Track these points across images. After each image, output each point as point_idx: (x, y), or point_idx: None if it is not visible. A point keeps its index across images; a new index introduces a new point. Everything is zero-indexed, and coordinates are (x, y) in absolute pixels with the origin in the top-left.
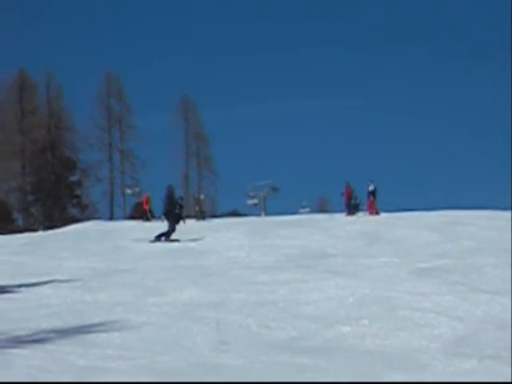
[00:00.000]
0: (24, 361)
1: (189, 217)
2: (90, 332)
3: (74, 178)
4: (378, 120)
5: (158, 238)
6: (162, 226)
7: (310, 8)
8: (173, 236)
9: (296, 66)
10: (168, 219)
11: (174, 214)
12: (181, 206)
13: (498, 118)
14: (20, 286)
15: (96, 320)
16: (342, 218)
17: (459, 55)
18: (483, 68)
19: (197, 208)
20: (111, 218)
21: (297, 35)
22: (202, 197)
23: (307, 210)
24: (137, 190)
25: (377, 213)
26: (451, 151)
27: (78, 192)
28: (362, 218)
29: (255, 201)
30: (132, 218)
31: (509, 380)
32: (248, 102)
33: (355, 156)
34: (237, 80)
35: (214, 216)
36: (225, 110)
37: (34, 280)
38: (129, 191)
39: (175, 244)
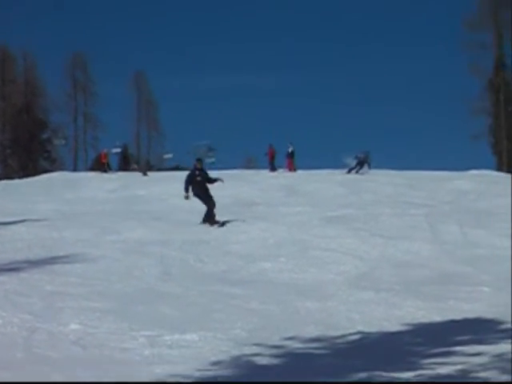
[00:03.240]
0: (1, 286)
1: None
2: (56, 263)
3: (45, 136)
4: (301, 89)
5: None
6: (117, 176)
7: None
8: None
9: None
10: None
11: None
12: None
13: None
14: None
15: (61, 253)
16: (266, 173)
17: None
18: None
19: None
20: (75, 169)
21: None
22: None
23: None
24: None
25: (294, 170)
26: (360, 115)
27: (48, 148)
28: (282, 174)
29: (170, 155)
30: (92, 169)
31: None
32: (192, 73)
33: (278, 120)
34: (184, 53)
35: (160, 169)
36: (173, 80)
37: (9, 219)
38: (59, 142)
39: (127, 192)
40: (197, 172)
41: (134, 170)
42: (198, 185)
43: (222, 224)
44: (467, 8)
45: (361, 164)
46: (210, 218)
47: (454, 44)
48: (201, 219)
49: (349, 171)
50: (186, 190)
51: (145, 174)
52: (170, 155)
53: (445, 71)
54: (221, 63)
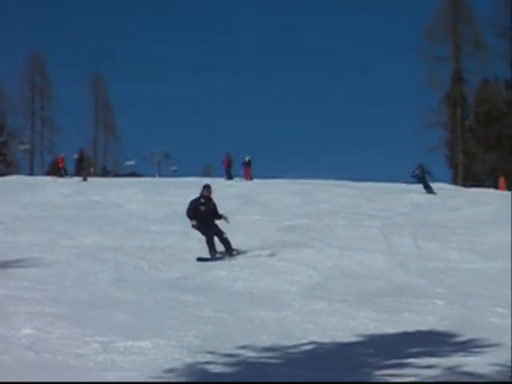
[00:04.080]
0: None
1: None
2: (11, 267)
3: (1, 139)
4: (259, 99)
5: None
6: (72, 181)
7: None
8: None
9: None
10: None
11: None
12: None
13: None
14: None
15: (16, 257)
16: (222, 181)
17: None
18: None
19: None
20: (31, 173)
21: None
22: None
23: (175, 167)
24: (27, 146)
25: (251, 179)
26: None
27: (5, 151)
28: (239, 183)
29: (132, 162)
30: (48, 174)
31: None
32: (150, 78)
33: (236, 129)
34: (142, 57)
35: (117, 175)
36: (129, 84)
37: None
38: (22, 147)
39: (82, 197)
40: (202, 200)
41: (89, 174)
42: (201, 215)
43: (218, 258)
44: (426, 18)
45: (422, 179)
46: (210, 248)
47: (413, 54)
48: (155, 225)
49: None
50: (191, 218)
51: (85, 179)
52: (132, 162)
53: (402, 82)
54: (179, 67)
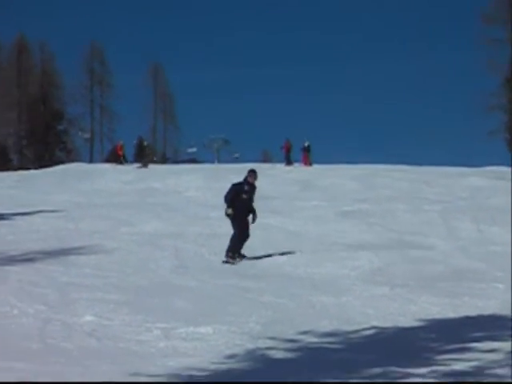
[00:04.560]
0: (16, 276)
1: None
2: (72, 254)
3: (61, 127)
4: (318, 86)
5: (233, 255)
6: (131, 168)
7: None
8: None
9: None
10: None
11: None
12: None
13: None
14: (14, 214)
15: (77, 244)
16: (281, 167)
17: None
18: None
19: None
20: (91, 161)
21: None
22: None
23: (237, 155)
24: (87, 135)
25: (310, 164)
26: (376, 111)
27: (64, 139)
28: (298, 168)
29: (194, 149)
30: (107, 161)
31: None
32: (208, 66)
33: (296, 114)
34: (201, 47)
35: (176, 162)
36: (190, 73)
37: (26, 210)
38: (85, 135)
39: (142, 184)
40: (246, 187)
41: (151, 162)
42: (241, 203)
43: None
44: (484, 2)
45: None
46: (232, 248)
47: (472, 39)
48: (214, 211)
49: None
50: (229, 204)
51: (145, 166)
52: (194, 149)
53: (462, 67)
54: (239, 55)
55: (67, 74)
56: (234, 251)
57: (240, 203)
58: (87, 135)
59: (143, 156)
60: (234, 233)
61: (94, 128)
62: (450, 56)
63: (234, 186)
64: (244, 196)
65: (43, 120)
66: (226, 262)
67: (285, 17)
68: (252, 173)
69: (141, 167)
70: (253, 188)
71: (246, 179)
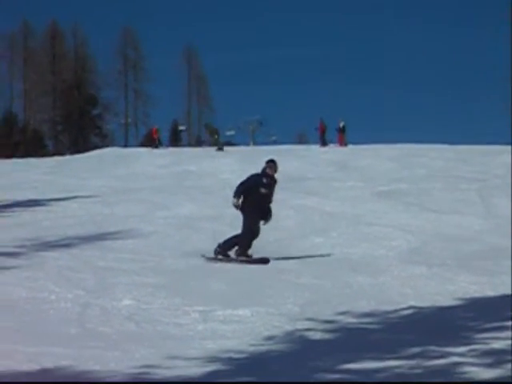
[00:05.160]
0: (54, 261)
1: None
2: (108, 239)
3: (95, 112)
4: (352, 63)
5: (225, 250)
6: (166, 152)
7: None
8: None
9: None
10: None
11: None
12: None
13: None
14: (50, 200)
15: (113, 229)
16: (316, 148)
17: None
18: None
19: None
20: (126, 145)
21: None
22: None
23: (274, 137)
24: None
25: (345, 145)
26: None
27: (99, 123)
28: (334, 149)
29: (232, 132)
30: (143, 145)
31: None
32: (242, 48)
33: (331, 96)
34: (234, 29)
35: (210, 145)
36: (224, 55)
37: (61, 195)
38: (182, 127)
39: (178, 168)
40: (264, 180)
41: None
42: (259, 197)
43: (255, 261)
44: None
45: None
46: (241, 247)
47: (502, 17)
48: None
49: None
50: (238, 195)
51: (220, 148)
52: (232, 132)
53: (499, 43)
54: (270, 37)
55: (101, 59)
56: (246, 250)
57: (257, 197)
58: (183, 127)
59: (178, 140)
60: (243, 232)
61: (129, 112)
62: (481, 33)
63: (252, 177)
64: (262, 190)
65: (78, 105)
66: (221, 257)
67: None
68: (272, 163)
69: (217, 150)
70: (273, 181)
71: (264, 171)
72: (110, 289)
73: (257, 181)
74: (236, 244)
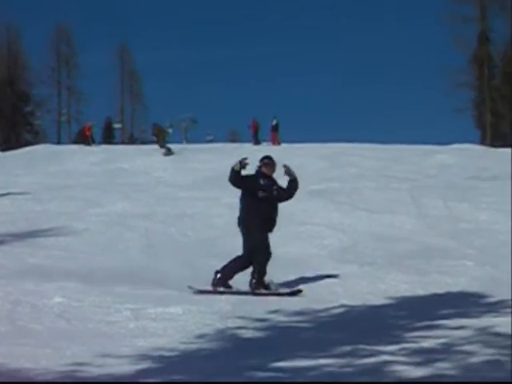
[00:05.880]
0: None
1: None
2: (40, 236)
3: (28, 109)
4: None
5: (226, 279)
6: (99, 150)
7: None
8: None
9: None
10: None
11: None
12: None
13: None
14: None
15: (45, 226)
16: (249, 147)
17: None
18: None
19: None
20: (58, 142)
21: None
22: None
23: (211, 137)
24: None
25: (279, 143)
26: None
27: (32, 120)
28: (266, 148)
29: (170, 130)
30: (75, 142)
31: None
32: (175, 45)
33: (262, 94)
34: (169, 26)
35: (143, 143)
36: (155, 52)
37: None
38: (117, 125)
39: (110, 165)
40: (261, 181)
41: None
42: (259, 204)
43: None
44: None
45: None
46: (257, 280)
47: (438, 16)
48: (183, 192)
49: None
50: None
51: (169, 152)
52: (170, 129)
53: (429, 44)
54: (204, 35)
55: (34, 55)
56: (262, 279)
57: (257, 204)
58: (118, 125)
59: (111, 136)
60: (255, 255)
61: (62, 110)
62: (416, 32)
63: (246, 178)
64: (261, 194)
65: (10, 102)
66: (222, 289)
67: None
68: (268, 161)
69: (167, 154)
70: (272, 181)
71: (259, 170)
72: (41, 286)
73: (251, 183)
74: (239, 270)
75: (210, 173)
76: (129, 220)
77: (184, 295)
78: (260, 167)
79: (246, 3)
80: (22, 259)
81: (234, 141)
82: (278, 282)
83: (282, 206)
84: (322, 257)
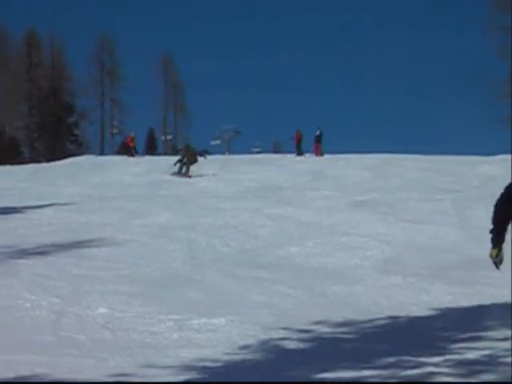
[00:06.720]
0: (29, 269)
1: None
2: (83, 247)
3: (71, 120)
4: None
5: None
6: (142, 161)
7: None
8: None
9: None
10: None
11: None
12: None
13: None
14: (26, 207)
15: (88, 237)
16: (292, 157)
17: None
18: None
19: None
20: (102, 153)
21: None
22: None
23: (258, 149)
24: (115, 131)
25: (322, 154)
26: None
27: (75, 131)
28: (309, 159)
29: (218, 142)
30: (118, 153)
31: None
32: (219, 57)
33: (306, 106)
34: (212, 37)
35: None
36: (200, 63)
37: (37, 203)
38: (168, 137)
39: (154, 176)
40: None
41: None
42: None
43: None
44: None
45: None
46: None
47: (482, 27)
48: (226, 202)
49: None
50: (498, 238)
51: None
52: (217, 141)
53: (474, 54)
54: (248, 46)
55: (77, 66)
56: None
57: None
58: (169, 136)
59: (154, 148)
60: None
61: (105, 121)
62: (460, 44)
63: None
64: None
65: (54, 113)
66: None
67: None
68: None
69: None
70: None
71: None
72: (85, 297)
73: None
74: None
75: (254, 183)
76: (172, 231)
77: (228, 306)
78: None
79: (287, 12)
80: (66, 270)
81: (276, 152)
82: (323, 292)
83: (325, 217)
84: (366, 268)
